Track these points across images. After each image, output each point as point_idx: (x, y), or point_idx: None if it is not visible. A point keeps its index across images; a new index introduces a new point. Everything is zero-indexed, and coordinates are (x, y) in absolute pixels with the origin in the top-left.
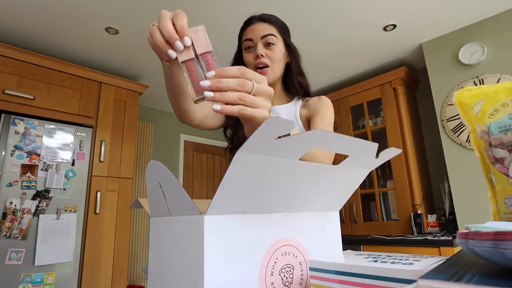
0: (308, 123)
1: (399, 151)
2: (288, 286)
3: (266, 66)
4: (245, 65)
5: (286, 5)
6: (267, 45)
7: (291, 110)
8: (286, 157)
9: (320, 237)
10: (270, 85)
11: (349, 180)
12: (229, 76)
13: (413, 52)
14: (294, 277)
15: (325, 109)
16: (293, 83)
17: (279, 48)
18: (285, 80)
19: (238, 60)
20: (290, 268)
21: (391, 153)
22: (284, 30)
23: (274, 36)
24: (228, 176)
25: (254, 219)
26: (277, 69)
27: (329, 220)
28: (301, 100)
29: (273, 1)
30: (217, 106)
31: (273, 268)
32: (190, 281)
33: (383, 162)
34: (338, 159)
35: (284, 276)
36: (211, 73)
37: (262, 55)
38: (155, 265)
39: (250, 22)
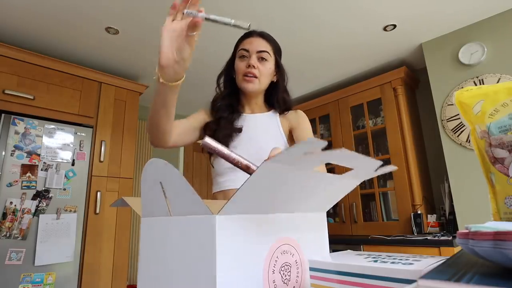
0: (290, 133)
1: (395, 168)
2: (287, 283)
3: (255, 77)
4: (235, 70)
5: (286, 5)
6: (260, 59)
7: (273, 120)
8: (301, 168)
9: (311, 236)
10: (254, 95)
11: (342, 186)
12: None
13: (413, 52)
14: (291, 275)
15: (305, 123)
16: (277, 100)
17: (270, 65)
18: (269, 95)
19: (230, 65)
20: (288, 266)
21: (387, 169)
22: (277, 51)
23: (268, 53)
24: (251, 180)
25: (257, 219)
26: (263, 82)
27: (318, 220)
28: (277, 114)
29: (273, 1)
30: None
31: (274, 267)
32: (198, 281)
33: (376, 175)
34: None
35: (283, 274)
36: None
37: (254, 66)
38: (149, 266)
39: (249, 35)
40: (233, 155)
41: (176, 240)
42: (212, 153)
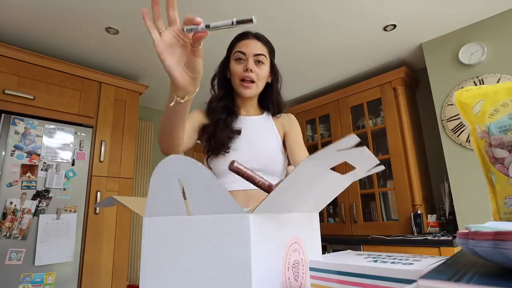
0: (283, 136)
1: (380, 168)
2: (297, 280)
3: (252, 81)
4: (230, 72)
5: (286, 5)
6: (257, 62)
7: (268, 123)
8: (321, 166)
9: (309, 236)
10: (251, 98)
11: (335, 186)
12: None
13: (413, 52)
14: (299, 273)
15: (297, 128)
16: (272, 101)
17: (266, 68)
18: (263, 96)
19: (225, 66)
20: (297, 264)
21: (377, 169)
22: (272, 53)
23: (265, 56)
24: (288, 181)
25: (277, 218)
26: (260, 85)
27: (314, 221)
28: (270, 115)
29: (273, 1)
30: None
31: (288, 264)
32: (229, 278)
33: (368, 174)
34: None
35: (294, 271)
36: None
37: (251, 70)
38: (158, 266)
39: (245, 36)
40: (258, 177)
41: (198, 239)
42: (239, 173)
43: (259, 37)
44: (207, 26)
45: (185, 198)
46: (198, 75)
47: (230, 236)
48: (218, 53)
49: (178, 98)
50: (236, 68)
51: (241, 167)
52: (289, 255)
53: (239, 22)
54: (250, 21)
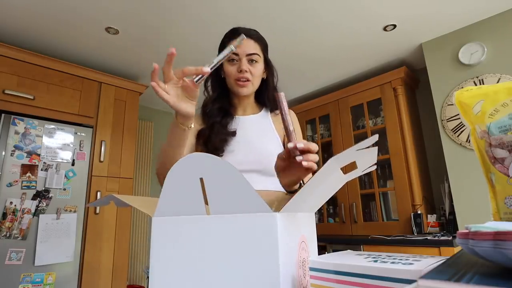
0: (283, 134)
1: (374, 167)
2: (305, 277)
3: (247, 80)
4: (224, 72)
5: (287, 5)
6: (251, 61)
7: (266, 120)
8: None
9: (309, 235)
10: (248, 96)
11: (336, 184)
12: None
13: (413, 52)
14: (306, 270)
15: (297, 126)
16: (268, 98)
17: (260, 65)
18: (259, 92)
19: (218, 67)
20: (305, 262)
21: (371, 168)
22: (265, 49)
23: (258, 55)
24: (315, 179)
25: (292, 217)
26: (256, 83)
27: (312, 220)
28: (269, 112)
29: (274, 1)
30: (305, 163)
31: (299, 262)
32: (255, 277)
33: (364, 173)
34: None
35: (303, 269)
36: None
37: (246, 71)
38: (170, 267)
39: (236, 35)
40: (289, 121)
41: (220, 238)
42: (279, 107)
43: (251, 35)
44: (213, 67)
45: (205, 197)
46: (196, 99)
47: (256, 235)
48: (206, 45)
49: (189, 126)
50: (230, 69)
51: (284, 101)
52: (299, 253)
53: (236, 45)
54: (242, 38)
